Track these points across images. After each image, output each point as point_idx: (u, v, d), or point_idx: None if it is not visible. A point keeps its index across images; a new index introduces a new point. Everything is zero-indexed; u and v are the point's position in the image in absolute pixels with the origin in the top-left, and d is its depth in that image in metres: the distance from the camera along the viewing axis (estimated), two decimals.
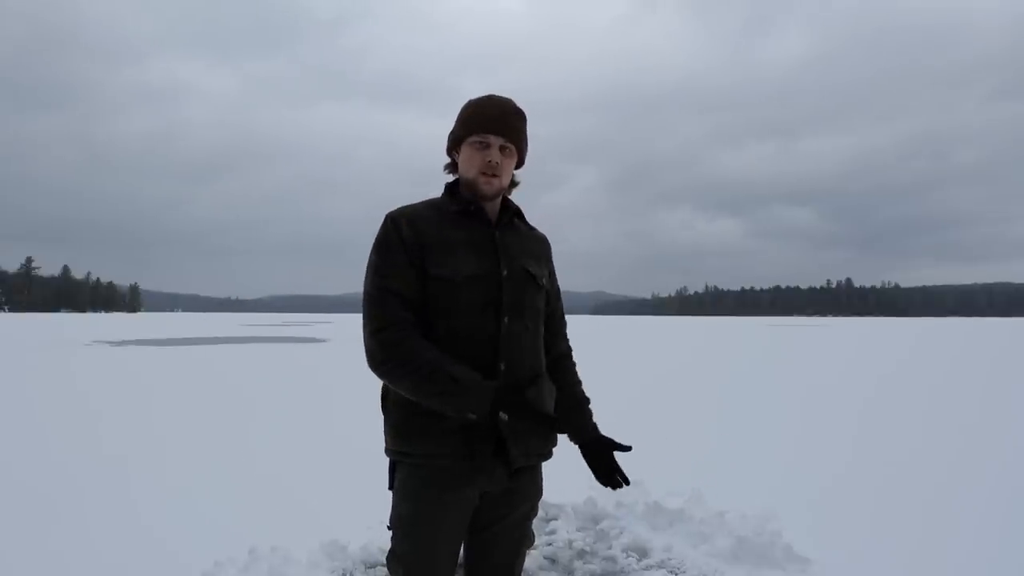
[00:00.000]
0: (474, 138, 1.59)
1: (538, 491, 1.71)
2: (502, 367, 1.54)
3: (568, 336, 1.87)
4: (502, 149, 1.59)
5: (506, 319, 1.56)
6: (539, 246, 1.75)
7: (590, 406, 1.81)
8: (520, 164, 1.70)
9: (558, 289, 1.83)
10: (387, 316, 1.50)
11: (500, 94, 1.67)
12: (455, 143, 1.64)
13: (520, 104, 1.67)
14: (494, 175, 1.58)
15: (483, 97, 1.65)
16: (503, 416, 1.46)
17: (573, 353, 1.86)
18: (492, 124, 1.58)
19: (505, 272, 1.58)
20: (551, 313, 1.76)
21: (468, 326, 1.53)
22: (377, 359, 1.50)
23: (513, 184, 1.70)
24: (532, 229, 1.77)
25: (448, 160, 1.68)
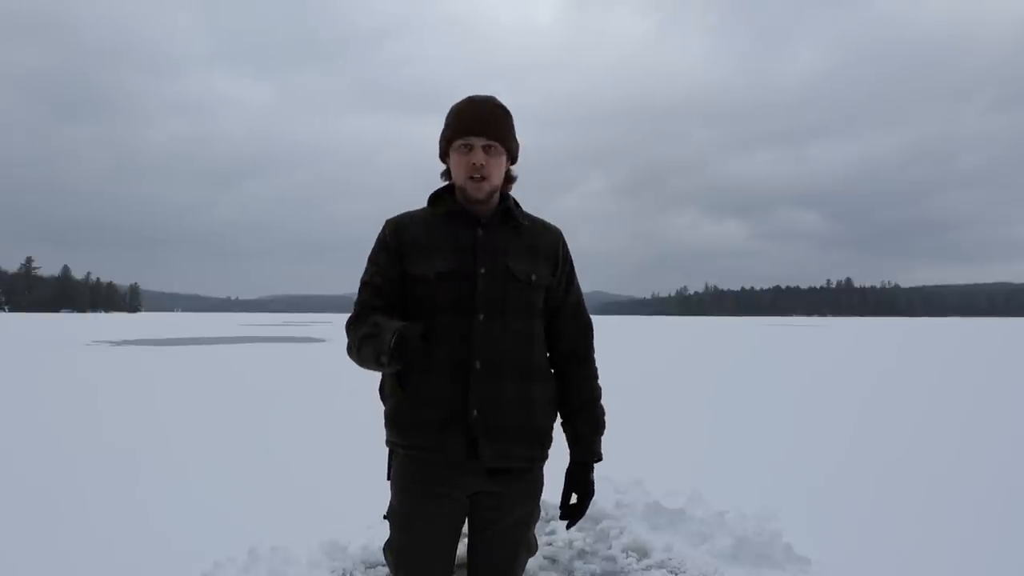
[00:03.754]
0: (458, 142, 1.59)
1: (534, 498, 1.69)
2: (477, 365, 1.55)
3: (585, 336, 1.75)
4: (487, 149, 1.58)
5: (481, 316, 1.56)
6: (542, 239, 1.68)
7: (588, 421, 1.71)
8: (513, 160, 1.67)
9: (569, 285, 1.73)
10: (358, 304, 1.63)
11: (481, 94, 1.66)
12: (445, 149, 1.64)
13: (505, 103, 1.64)
14: (482, 177, 1.57)
15: (463, 100, 1.64)
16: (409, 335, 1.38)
17: (590, 355, 1.76)
18: (472, 126, 1.58)
19: (482, 270, 1.58)
20: (554, 310, 1.69)
21: (442, 323, 1.56)
22: (347, 339, 1.60)
23: (510, 180, 1.68)
24: (536, 223, 1.71)
25: (444, 167, 1.68)
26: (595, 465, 1.73)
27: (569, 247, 1.77)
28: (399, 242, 1.62)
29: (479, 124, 1.58)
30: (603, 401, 1.76)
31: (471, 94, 1.67)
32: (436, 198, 1.68)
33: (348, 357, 1.59)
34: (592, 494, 1.73)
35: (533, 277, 1.63)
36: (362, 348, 1.50)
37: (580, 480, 1.71)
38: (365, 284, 1.64)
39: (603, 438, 1.74)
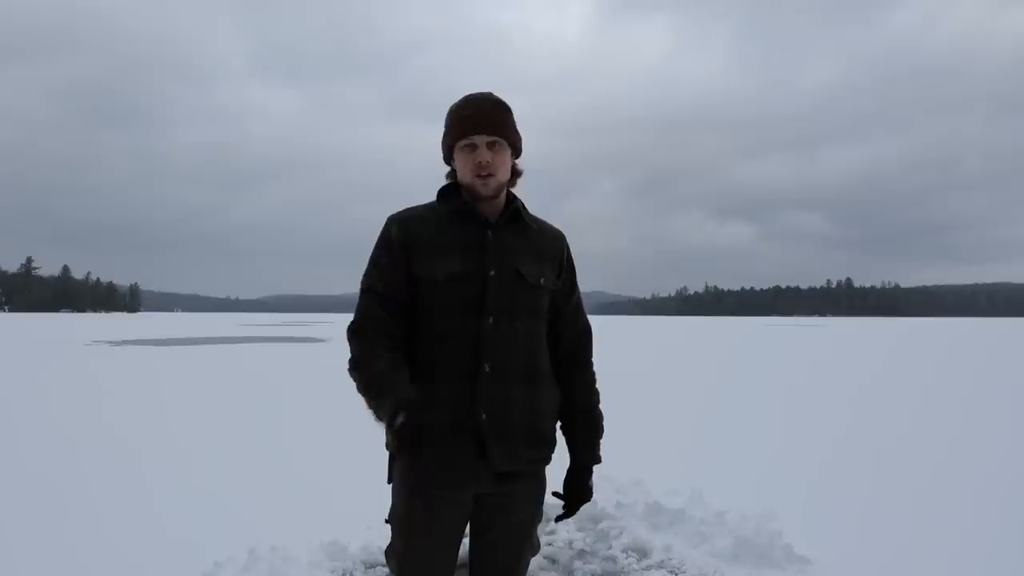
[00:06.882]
0: (462, 142, 1.59)
1: (538, 500, 1.68)
2: (486, 368, 1.54)
3: (584, 341, 1.75)
4: (490, 145, 1.58)
5: (491, 319, 1.55)
6: (548, 243, 1.69)
7: (589, 426, 1.71)
8: (517, 154, 1.66)
9: (572, 289, 1.74)
10: (360, 314, 1.60)
11: (478, 92, 1.65)
12: (449, 152, 1.64)
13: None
14: (489, 175, 1.57)
15: (460, 100, 1.64)
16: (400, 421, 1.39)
17: (589, 359, 1.76)
18: (473, 125, 1.58)
19: (492, 272, 1.57)
20: (555, 314, 1.69)
21: (451, 326, 1.54)
22: (350, 355, 1.58)
23: (516, 174, 1.68)
24: (542, 225, 1.72)
25: (448, 170, 1.67)
26: (595, 467, 1.73)
27: (572, 250, 1.77)
28: (406, 239, 1.59)
29: (480, 122, 1.58)
30: (604, 401, 1.77)
31: (467, 94, 1.65)
32: (444, 195, 1.67)
33: (348, 372, 1.57)
34: (590, 498, 1.73)
35: (541, 280, 1.63)
36: (365, 394, 1.50)
37: (579, 484, 1.71)
38: (365, 291, 1.60)
39: (602, 440, 1.74)
